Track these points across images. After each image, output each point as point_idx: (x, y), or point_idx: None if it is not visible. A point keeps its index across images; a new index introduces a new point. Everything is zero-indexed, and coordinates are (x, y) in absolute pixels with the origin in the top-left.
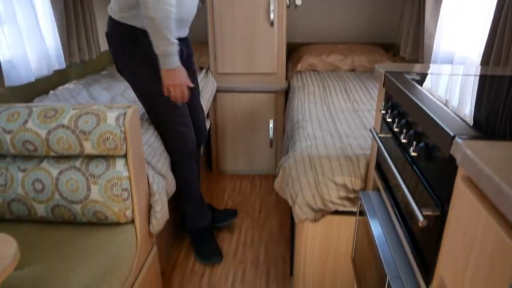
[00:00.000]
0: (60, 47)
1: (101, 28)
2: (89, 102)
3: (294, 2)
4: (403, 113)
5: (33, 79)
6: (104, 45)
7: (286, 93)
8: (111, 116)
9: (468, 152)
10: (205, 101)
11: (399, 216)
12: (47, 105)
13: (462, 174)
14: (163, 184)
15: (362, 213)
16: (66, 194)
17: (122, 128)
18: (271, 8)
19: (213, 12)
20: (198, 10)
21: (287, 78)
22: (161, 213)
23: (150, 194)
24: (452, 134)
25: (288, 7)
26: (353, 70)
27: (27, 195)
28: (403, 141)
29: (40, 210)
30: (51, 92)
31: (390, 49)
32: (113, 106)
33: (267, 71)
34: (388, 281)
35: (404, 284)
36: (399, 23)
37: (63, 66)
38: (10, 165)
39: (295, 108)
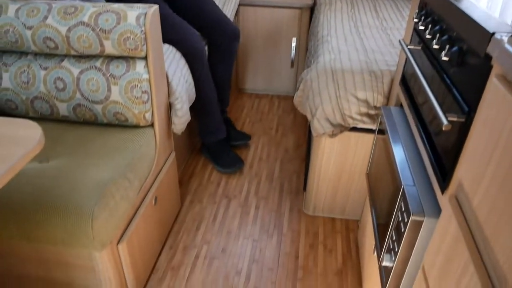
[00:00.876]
0: None
1: None
2: None
3: None
4: (438, 19)
5: None
6: None
7: (311, 10)
8: (132, 15)
9: (507, 47)
10: (228, 13)
11: (420, 129)
12: (66, 1)
13: (497, 72)
14: (183, 84)
15: (381, 131)
16: (87, 93)
17: (143, 28)
18: None
19: None
20: None
21: None
22: (182, 111)
23: (169, 94)
24: (490, 31)
25: None
26: None
27: (49, 93)
28: (435, 47)
29: (62, 109)
30: None
31: None
32: (134, 5)
33: None
34: (403, 189)
35: (418, 191)
36: None
37: None
38: (32, 62)
39: (320, 23)
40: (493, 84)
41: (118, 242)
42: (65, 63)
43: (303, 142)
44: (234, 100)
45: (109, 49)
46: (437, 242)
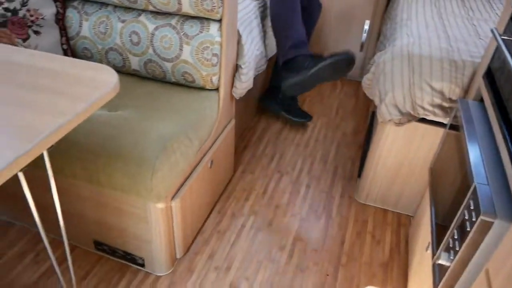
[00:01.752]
0: None
1: None
2: None
3: None
4: None
5: None
6: None
7: None
8: None
9: None
10: None
11: (504, 127)
12: None
13: None
14: (253, 51)
15: (453, 126)
16: (160, 50)
17: None
18: None
19: None
20: None
21: None
22: (247, 77)
23: (239, 56)
24: None
25: None
26: None
27: (123, 46)
28: None
29: (134, 63)
30: None
31: None
32: None
33: None
34: (475, 187)
35: (492, 191)
36: None
37: None
38: (111, 14)
39: (399, 6)
40: None
41: (172, 198)
42: (142, 17)
43: (362, 129)
44: None
45: (186, 7)
46: (509, 247)
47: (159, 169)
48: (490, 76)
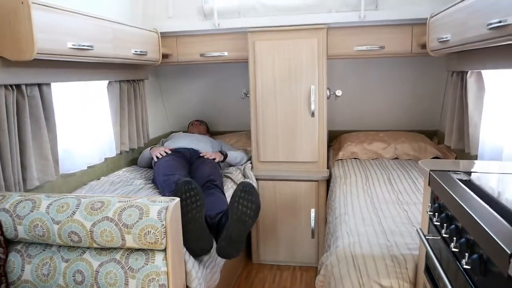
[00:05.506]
0: (113, 137)
1: (152, 116)
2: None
3: (335, 93)
4: (452, 217)
5: (85, 167)
6: (152, 133)
7: (328, 182)
8: (154, 210)
9: None
10: None
11: None
12: (96, 196)
13: None
14: (203, 271)
15: None
16: (104, 287)
17: (164, 223)
18: (312, 99)
19: (256, 104)
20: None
21: (328, 166)
22: None
23: (187, 281)
24: (509, 252)
25: (328, 98)
26: (396, 158)
27: (66, 287)
28: (454, 250)
29: None
30: (102, 178)
31: (434, 136)
32: (157, 199)
33: (309, 160)
34: None
35: None
36: (442, 109)
37: (114, 154)
38: (55, 254)
39: (337, 199)
40: None
41: None
42: (87, 255)
43: None
44: (256, 274)
45: (130, 242)
46: None
47: None
48: (430, 272)
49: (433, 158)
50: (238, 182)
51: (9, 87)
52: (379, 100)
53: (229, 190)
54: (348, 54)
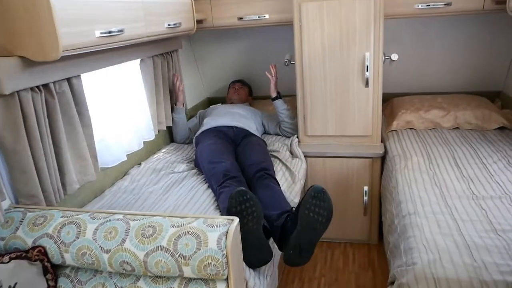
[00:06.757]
0: (150, 119)
1: (187, 84)
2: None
3: (390, 57)
4: None
5: (125, 158)
6: (189, 101)
7: (383, 159)
8: (213, 238)
9: None
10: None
11: None
12: (146, 217)
13: None
14: (264, 285)
15: None
16: None
17: (224, 252)
18: (366, 66)
19: (303, 73)
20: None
21: (381, 138)
22: None
23: None
24: None
25: (383, 63)
26: (457, 128)
27: None
28: None
29: None
30: (143, 164)
31: (496, 98)
32: (214, 221)
33: (361, 134)
34: None
35: None
36: (509, 70)
37: (153, 137)
38: (107, 281)
39: (400, 187)
40: None
41: None
42: (141, 283)
43: None
44: None
45: (188, 273)
46: None
47: None
48: None
49: (500, 128)
50: (286, 162)
51: (36, 88)
52: (435, 58)
53: (278, 173)
54: (407, 13)
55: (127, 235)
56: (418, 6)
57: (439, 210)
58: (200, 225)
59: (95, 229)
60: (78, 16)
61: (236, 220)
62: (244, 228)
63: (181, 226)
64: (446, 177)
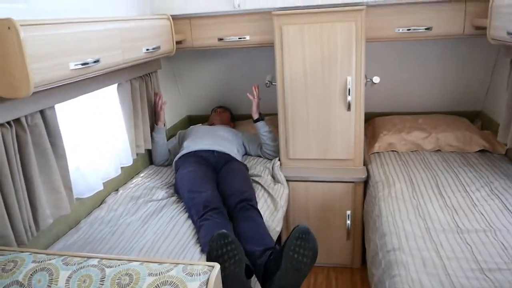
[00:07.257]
0: (128, 143)
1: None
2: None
3: (372, 80)
4: None
5: (101, 187)
6: (169, 121)
7: (365, 183)
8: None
9: None
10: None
11: None
12: (121, 263)
13: None
14: None
15: None
16: None
17: None
18: (348, 90)
19: (284, 96)
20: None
21: (364, 161)
22: None
23: None
24: None
25: (365, 85)
26: (438, 150)
27: None
28: None
29: None
30: (120, 191)
31: (476, 118)
32: (194, 269)
33: (344, 157)
34: None
35: None
36: (488, 90)
37: (131, 162)
38: None
39: (384, 220)
40: None
41: None
42: None
43: None
44: None
45: None
46: None
47: None
48: None
49: (480, 150)
50: (268, 188)
51: (6, 124)
52: (416, 78)
53: (259, 200)
54: (388, 37)
55: (102, 285)
56: (399, 30)
57: (424, 246)
58: (179, 274)
59: (68, 276)
60: (50, 49)
61: (217, 267)
62: (225, 271)
63: (159, 274)
64: (430, 207)
